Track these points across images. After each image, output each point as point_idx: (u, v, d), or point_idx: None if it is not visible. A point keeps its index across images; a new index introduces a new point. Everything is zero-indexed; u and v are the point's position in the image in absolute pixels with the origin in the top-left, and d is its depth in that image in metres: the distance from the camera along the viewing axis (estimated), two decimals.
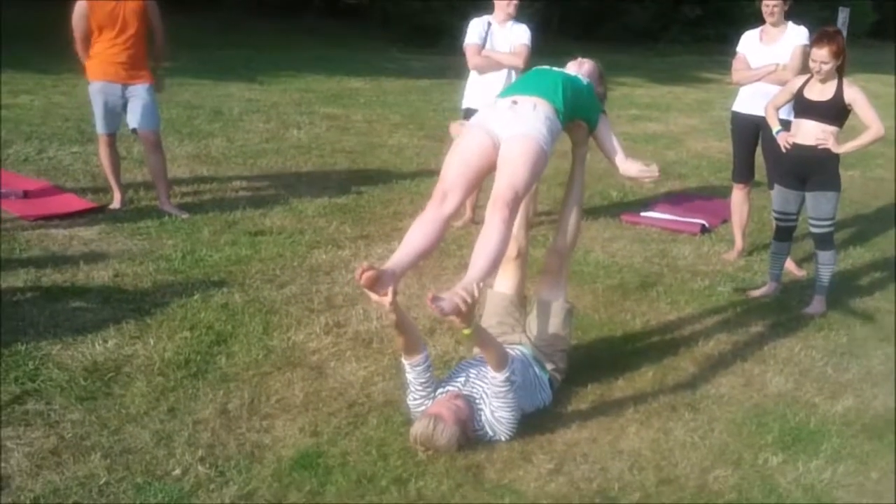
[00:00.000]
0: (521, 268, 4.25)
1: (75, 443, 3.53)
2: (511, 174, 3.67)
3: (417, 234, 3.66)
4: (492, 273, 3.79)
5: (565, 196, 4.27)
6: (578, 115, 4.10)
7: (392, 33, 21.85)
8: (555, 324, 4.14)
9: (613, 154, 4.24)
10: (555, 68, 4.20)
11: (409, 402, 3.80)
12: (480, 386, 3.76)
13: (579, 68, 4.27)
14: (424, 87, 14.81)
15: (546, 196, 7.18)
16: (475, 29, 6.59)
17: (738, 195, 6.66)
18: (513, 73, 6.40)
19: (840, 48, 5.24)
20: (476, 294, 3.32)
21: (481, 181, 4.15)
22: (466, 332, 3.43)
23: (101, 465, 3.39)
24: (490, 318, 4.18)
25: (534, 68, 4.26)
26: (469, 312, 3.31)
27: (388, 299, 3.38)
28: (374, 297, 3.40)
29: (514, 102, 3.91)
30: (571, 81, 4.05)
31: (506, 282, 4.25)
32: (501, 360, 3.61)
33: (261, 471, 3.43)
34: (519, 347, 4.05)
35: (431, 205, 3.72)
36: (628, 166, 4.24)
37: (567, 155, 4.33)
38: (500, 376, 3.62)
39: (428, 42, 20.16)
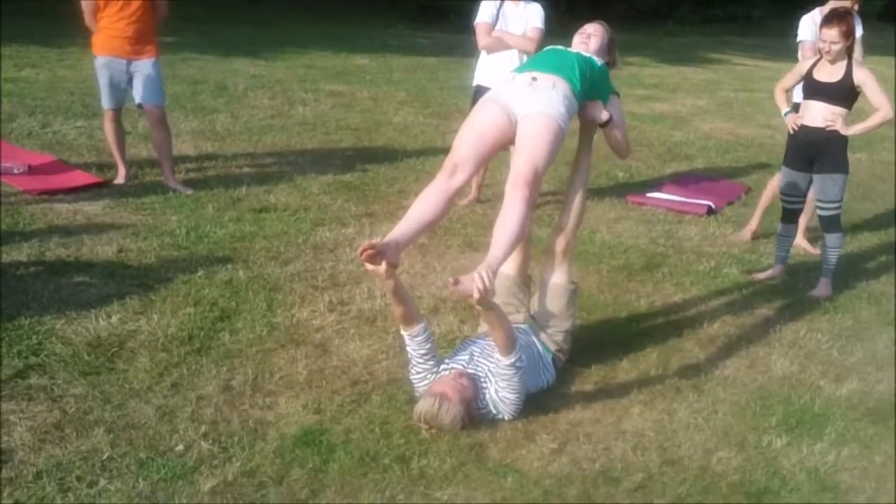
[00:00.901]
0: (524, 248, 4.23)
1: (78, 417, 3.54)
2: (531, 152, 3.65)
3: (424, 205, 3.65)
4: (512, 252, 3.78)
5: (571, 176, 4.24)
6: (593, 97, 4.07)
7: (399, 10, 21.73)
8: (559, 304, 4.12)
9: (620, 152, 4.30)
10: (568, 49, 4.16)
11: (411, 378, 3.79)
12: (485, 364, 3.76)
13: (587, 46, 4.21)
14: (431, 64, 14.73)
15: (552, 175, 7.13)
16: (487, 8, 6.50)
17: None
18: (524, 54, 6.31)
19: (850, 28, 5.19)
20: (491, 277, 3.31)
21: (493, 156, 4.13)
22: (484, 309, 3.43)
23: (104, 439, 3.39)
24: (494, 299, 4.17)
25: (548, 48, 4.20)
26: (487, 294, 3.29)
27: (383, 267, 3.38)
28: (369, 266, 3.40)
29: (534, 79, 3.88)
30: (588, 63, 4.00)
31: (509, 262, 4.21)
32: (510, 344, 3.60)
33: (264, 447, 3.43)
34: (523, 327, 4.04)
35: (440, 177, 3.70)
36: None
37: (574, 134, 4.29)
38: (506, 360, 3.61)
39: (436, 19, 20.06)
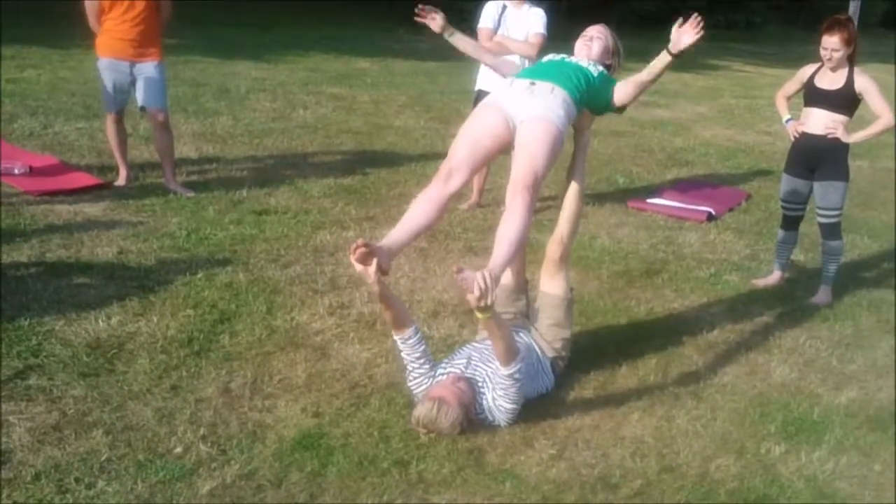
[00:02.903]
0: (521, 253, 4.22)
1: (77, 419, 3.53)
2: (531, 157, 3.65)
3: (418, 211, 3.65)
4: (516, 257, 3.77)
5: (566, 183, 4.21)
6: (591, 106, 4.07)
7: (401, 14, 21.76)
8: (556, 313, 4.11)
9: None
10: (569, 58, 4.14)
11: (409, 384, 3.79)
12: (483, 369, 3.75)
13: (590, 50, 4.20)
14: (432, 69, 14.75)
15: (552, 180, 7.14)
16: (489, 12, 6.50)
17: None
18: (526, 59, 6.30)
19: (851, 35, 5.19)
20: (494, 282, 3.31)
21: (489, 161, 4.12)
22: (482, 315, 3.41)
23: (102, 441, 3.39)
24: None
25: (549, 60, 4.18)
26: (485, 296, 3.28)
27: (372, 269, 3.37)
28: (358, 267, 3.39)
29: (532, 83, 3.88)
30: (586, 75, 3.98)
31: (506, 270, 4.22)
32: (510, 355, 3.58)
33: (262, 450, 3.43)
34: (521, 333, 4.04)
35: (435, 182, 3.70)
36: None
37: (569, 139, 4.29)
38: (505, 371, 3.60)
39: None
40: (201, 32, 15.19)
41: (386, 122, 10.06)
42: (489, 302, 3.30)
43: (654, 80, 3.96)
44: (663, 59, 3.85)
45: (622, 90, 3.99)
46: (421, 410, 3.55)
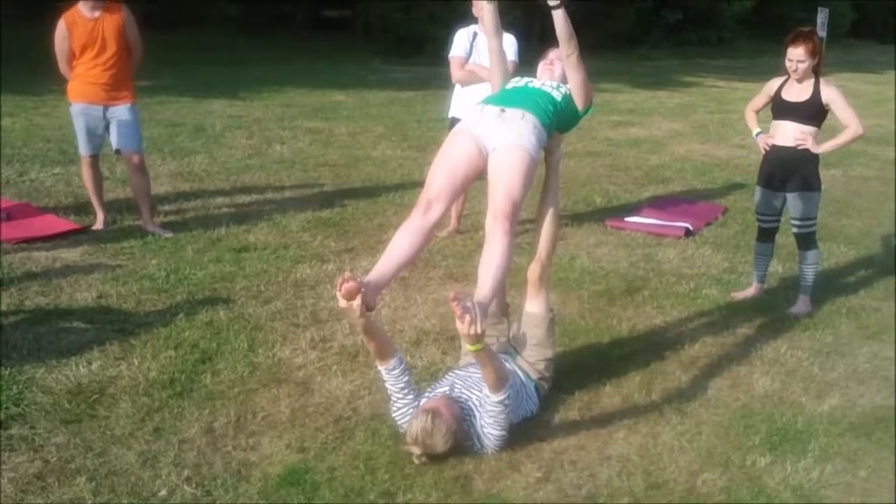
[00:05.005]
0: None
1: (60, 466, 3.51)
2: (507, 186, 3.68)
3: (401, 244, 3.66)
4: (501, 287, 3.78)
5: (540, 205, 4.22)
6: (561, 128, 4.12)
7: (376, 45, 21.90)
8: (538, 333, 4.13)
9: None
10: (532, 83, 4.18)
11: (393, 415, 3.78)
12: (468, 395, 3.75)
13: (552, 74, 4.24)
14: (408, 98, 14.83)
15: (530, 203, 7.19)
16: (460, 41, 6.55)
17: None
18: None
19: (816, 46, 5.27)
20: (483, 311, 3.32)
21: (466, 188, 4.14)
22: (473, 347, 3.41)
23: (86, 487, 3.36)
24: None
25: (514, 86, 4.21)
26: (473, 325, 3.28)
27: (357, 303, 3.36)
28: (343, 302, 3.38)
29: (503, 111, 3.91)
30: (552, 101, 4.02)
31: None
32: (500, 382, 3.58)
33: (248, 489, 3.41)
34: (503, 356, 4.04)
35: (416, 213, 3.72)
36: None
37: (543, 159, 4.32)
38: (496, 398, 3.59)
39: (411, 52, 20.22)
40: (175, 72, 15.23)
41: (363, 153, 10.09)
42: (479, 330, 3.30)
43: (571, 51, 3.96)
44: (557, 19, 3.90)
45: (577, 96, 4.08)
46: (415, 425, 3.52)
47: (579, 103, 4.09)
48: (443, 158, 3.86)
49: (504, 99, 4.04)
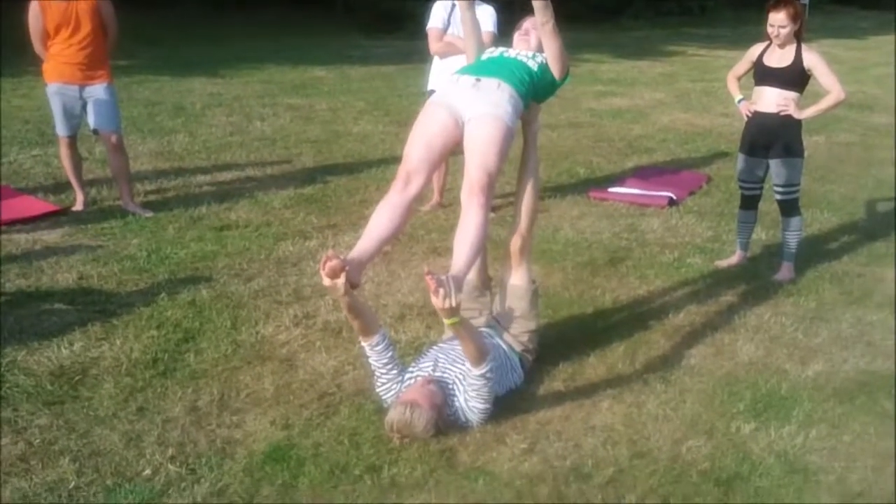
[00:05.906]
0: (482, 252, 4.21)
1: (43, 448, 3.49)
2: (482, 157, 3.65)
3: (382, 219, 3.64)
4: (476, 260, 3.77)
5: (519, 176, 4.19)
6: (538, 97, 4.08)
7: (355, 20, 21.71)
8: (521, 305, 4.12)
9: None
10: (507, 53, 4.14)
11: (377, 390, 3.78)
12: (452, 371, 3.74)
13: (528, 45, 4.20)
14: (389, 73, 14.72)
15: (511, 176, 7.16)
16: (438, 12, 6.49)
17: None
18: None
19: (797, 11, 5.24)
20: (458, 285, 3.32)
21: (444, 160, 4.11)
22: (449, 321, 3.41)
23: (70, 469, 3.35)
24: None
25: (489, 56, 4.17)
26: (448, 299, 3.28)
27: (341, 281, 3.35)
28: (327, 281, 3.37)
29: (478, 80, 3.87)
30: (528, 70, 3.98)
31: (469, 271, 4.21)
32: (480, 355, 3.58)
33: (232, 466, 3.40)
34: (487, 330, 4.03)
35: (395, 188, 3.69)
36: None
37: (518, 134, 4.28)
38: (477, 371, 3.60)
39: (392, 27, 20.07)
40: (153, 51, 15.08)
41: (344, 129, 10.02)
42: (453, 304, 3.30)
43: (546, 19, 3.93)
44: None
45: (553, 65, 4.03)
46: (394, 415, 3.54)
47: (556, 72, 4.05)
48: (419, 131, 3.83)
49: (479, 69, 4.01)
